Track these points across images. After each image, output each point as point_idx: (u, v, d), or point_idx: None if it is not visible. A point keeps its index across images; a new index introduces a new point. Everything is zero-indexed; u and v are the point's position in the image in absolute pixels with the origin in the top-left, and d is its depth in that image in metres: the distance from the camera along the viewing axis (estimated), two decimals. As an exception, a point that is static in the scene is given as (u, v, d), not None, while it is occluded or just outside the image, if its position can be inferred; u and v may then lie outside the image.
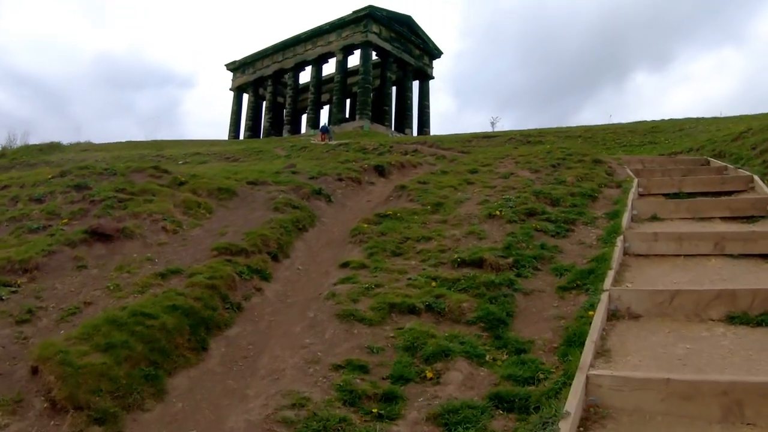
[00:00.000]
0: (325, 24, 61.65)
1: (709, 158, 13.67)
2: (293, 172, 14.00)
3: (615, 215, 8.99)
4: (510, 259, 7.47)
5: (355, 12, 59.10)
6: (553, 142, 27.35)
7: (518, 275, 7.17)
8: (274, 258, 8.79)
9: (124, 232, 8.86)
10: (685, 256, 7.78)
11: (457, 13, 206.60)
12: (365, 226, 9.36)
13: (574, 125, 34.60)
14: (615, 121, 35.64)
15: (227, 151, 34.19)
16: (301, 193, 12.03)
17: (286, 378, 5.27)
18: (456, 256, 7.69)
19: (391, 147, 29.90)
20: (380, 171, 14.21)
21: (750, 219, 9.06)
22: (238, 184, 12.52)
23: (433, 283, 6.98)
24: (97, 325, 5.67)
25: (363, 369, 5.25)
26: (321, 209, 11.60)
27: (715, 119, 27.94)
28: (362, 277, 7.51)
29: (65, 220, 9.58)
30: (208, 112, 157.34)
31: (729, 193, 10.67)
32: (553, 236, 8.43)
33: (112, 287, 7.11)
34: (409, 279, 7.22)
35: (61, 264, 7.89)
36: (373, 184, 13.68)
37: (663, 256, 7.83)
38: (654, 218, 9.32)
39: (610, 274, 6.74)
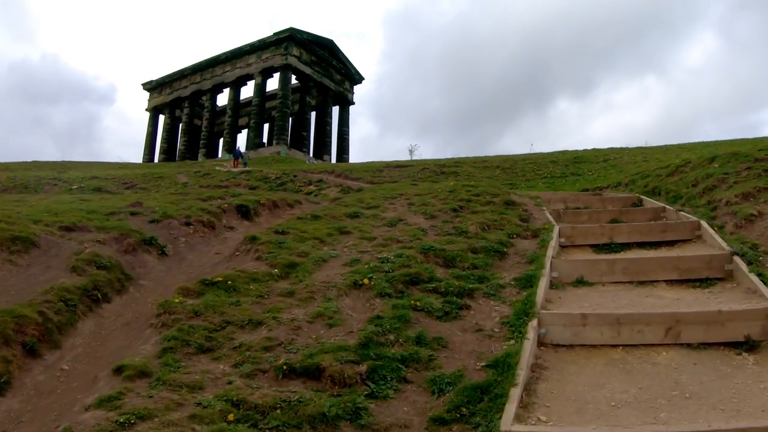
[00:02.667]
0: (246, 45, 60.04)
1: (641, 196, 11.64)
2: (133, 213, 11.06)
3: (528, 282, 6.59)
4: (364, 366, 4.85)
5: (276, 33, 57.86)
6: (469, 173, 25.44)
7: (372, 395, 4.57)
8: (31, 351, 5.91)
9: None
10: (626, 347, 5.45)
11: (381, 35, 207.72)
12: (177, 300, 6.58)
13: (493, 155, 33.03)
14: (537, 149, 34.52)
15: (128, 175, 31.22)
16: (125, 244, 9.11)
17: None
18: (284, 360, 5.03)
19: (294, 176, 27.51)
20: (244, 212, 11.44)
21: (705, 283, 6.89)
22: (47, 230, 9.48)
23: (231, 416, 4.28)
24: None
25: None
26: (146, 267, 8.74)
27: (640, 149, 26.74)
28: (133, 396, 4.72)
29: None
30: (128, 130, 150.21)
31: (672, 243, 8.53)
32: (438, 319, 5.91)
33: None
34: (199, 404, 4.48)
35: None
36: (232, 230, 10.90)
37: (595, 347, 5.47)
38: (580, 282, 7.01)
39: (515, 396, 4.28)
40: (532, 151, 32.80)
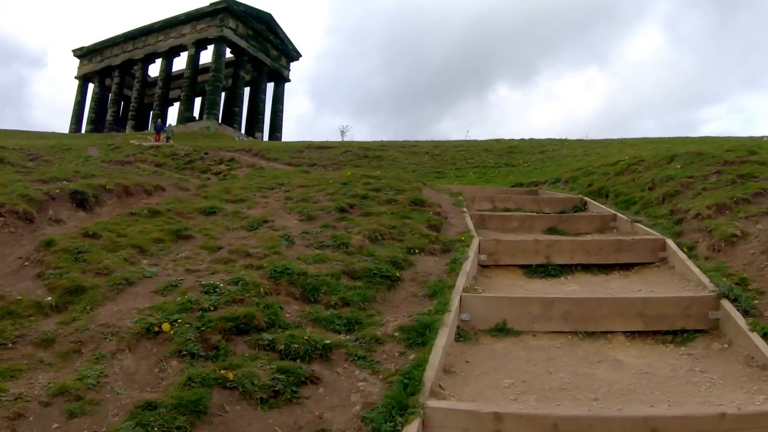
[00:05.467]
0: (181, 14, 57.38)
1: (585, 198, 9.56)
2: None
3: (421, 333, 4.27)
4: None
5: (212, 4, 55.43)
6: (395, 158, 23.30)
7: None
8: None
9: None
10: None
11: (325, 9, 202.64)
12: None
13: (424, 140, 30.88)
14: (474, 136, 32.72)
15: (37, 146, 28.22)
16: None
17: None
18: None
19: (206, 154, 25.15)
20: (80, 201, 8.65)
21: (679, 337, 4.77)
22: None
23: None
24: None
25: None
26: None
27: (580, 142, 25.07)
28: None
29: None
30: (62, 98, 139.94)
31: (628, 267, 6.44)
32: (261, 405, 3.53)
33: None
34: None
35: None
36: (59, 224, 8.09)
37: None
38: (502, 330, 4.79)
39: None
40: (468, 138, 30.82)
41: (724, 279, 5.46)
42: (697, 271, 5.65)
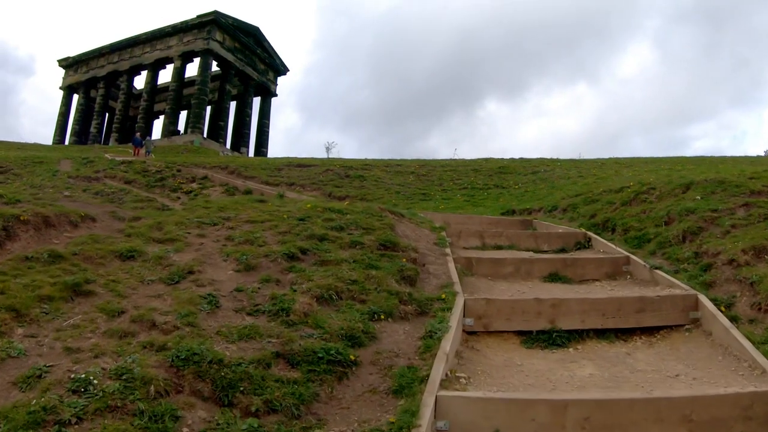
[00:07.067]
0: (167, 26, 56.61)
1: (589, 233, 8.24)
2: None
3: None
4: None
5: (199, 16, 54.79)
6: (378, 178, 21.95)
7: None
8: None
9: None
10: None
11: (313, 24, 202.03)
12: None
13: (411, 158, 29.61)
14: (462, 153, 31.60)
15: (9, 158, 26.91)
16: None
17: None
18: None
19: (178, 170, 23.84)
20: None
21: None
22: None
23: None
24: None
25: None
26: None
27: (573, 161, 23.88)
28: None
29: None
30: (49, 108, 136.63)
31: (651, 332, 5.11)
32: None
33: None
34: None
35: None
36: None
37: None
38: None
39: None
40: (456, 156, 29.58)
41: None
42: (747, 344, 4.33)
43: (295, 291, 4.83)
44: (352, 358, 3.98)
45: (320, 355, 3.90)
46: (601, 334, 5.03)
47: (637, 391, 3.78)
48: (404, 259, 5.81)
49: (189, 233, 6.43)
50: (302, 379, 3.68)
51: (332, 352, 3.95)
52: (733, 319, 4.80)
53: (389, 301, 4.86)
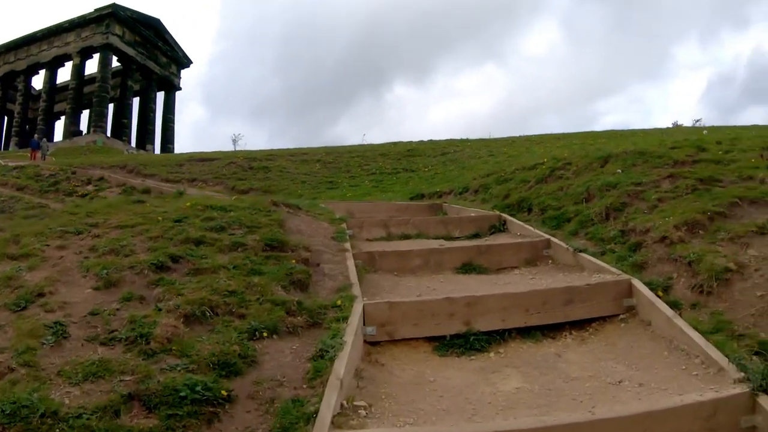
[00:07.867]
0: (65, 21, 54.30)
1: (504, 215, 7.62)
2: None
3: None
4: None
5: (97, 10, 52.94)
6: (283, 169, 21.03)
7: None
8: None
9: None
10: None
11: (216, 13, 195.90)
12: None
13: (317, 146, 28.79)
14: (372, 139, 31.00)
15: None
16: None
17: None
18: None
19: (73, 173, 22.70)
20: None
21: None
22: None
23: None
24: None
25: None
26: None
27: (483, 141, 23.64)
28: None
29: None
30: None
31: (581, 325, 4.50)
32: None
33: None
34: None
35: None
36: None
37: None
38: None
39: None
40: (364, 142, 28.91)
41: (736, 345, 3.60)
42: (695, 335, 3.73)
43: (159, 310, 3.85)
44: (224, 393, 3.07)
45: (183, 393, 2.97)
46: (526, 333, 4.34)
47: (578, 411, 3.06)
48: (294, 260, 4.91)
49: (48, 245, 5.29)
50: (160, 427, 2.76)
51: (198, 388, 3.03)
52: (674, 305, 4.20)
53: (274, 314, 3.96)
